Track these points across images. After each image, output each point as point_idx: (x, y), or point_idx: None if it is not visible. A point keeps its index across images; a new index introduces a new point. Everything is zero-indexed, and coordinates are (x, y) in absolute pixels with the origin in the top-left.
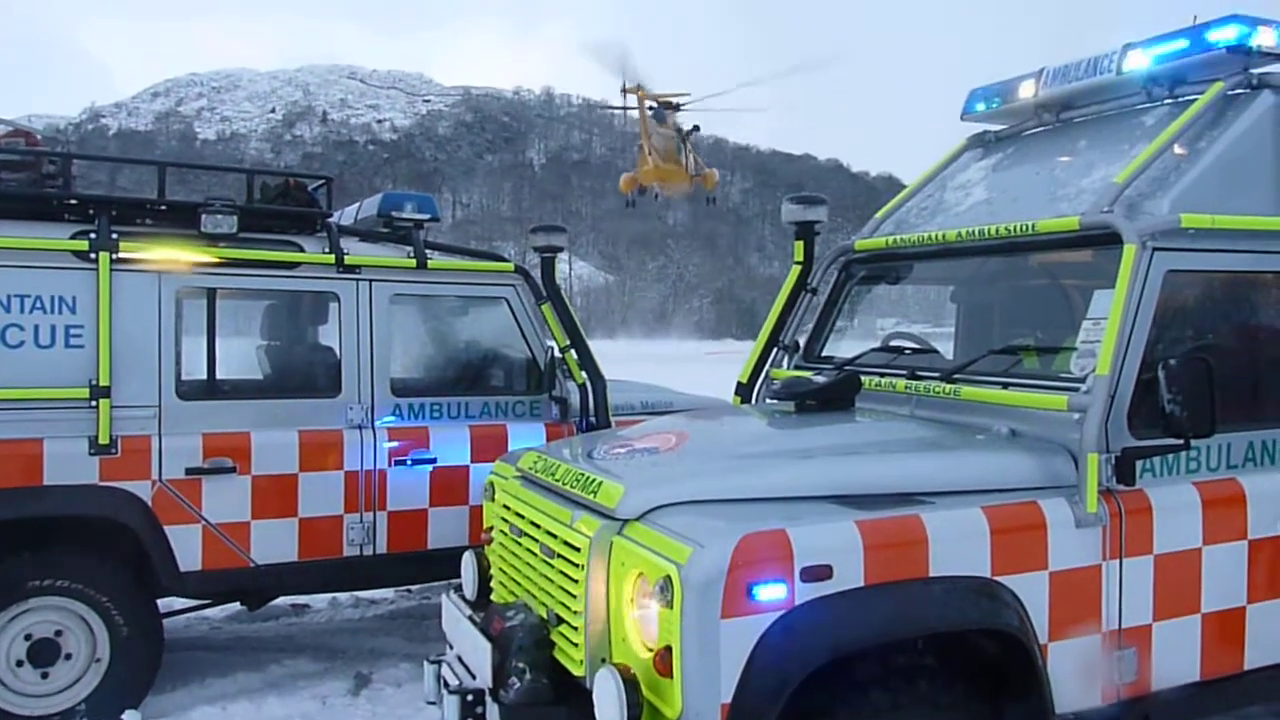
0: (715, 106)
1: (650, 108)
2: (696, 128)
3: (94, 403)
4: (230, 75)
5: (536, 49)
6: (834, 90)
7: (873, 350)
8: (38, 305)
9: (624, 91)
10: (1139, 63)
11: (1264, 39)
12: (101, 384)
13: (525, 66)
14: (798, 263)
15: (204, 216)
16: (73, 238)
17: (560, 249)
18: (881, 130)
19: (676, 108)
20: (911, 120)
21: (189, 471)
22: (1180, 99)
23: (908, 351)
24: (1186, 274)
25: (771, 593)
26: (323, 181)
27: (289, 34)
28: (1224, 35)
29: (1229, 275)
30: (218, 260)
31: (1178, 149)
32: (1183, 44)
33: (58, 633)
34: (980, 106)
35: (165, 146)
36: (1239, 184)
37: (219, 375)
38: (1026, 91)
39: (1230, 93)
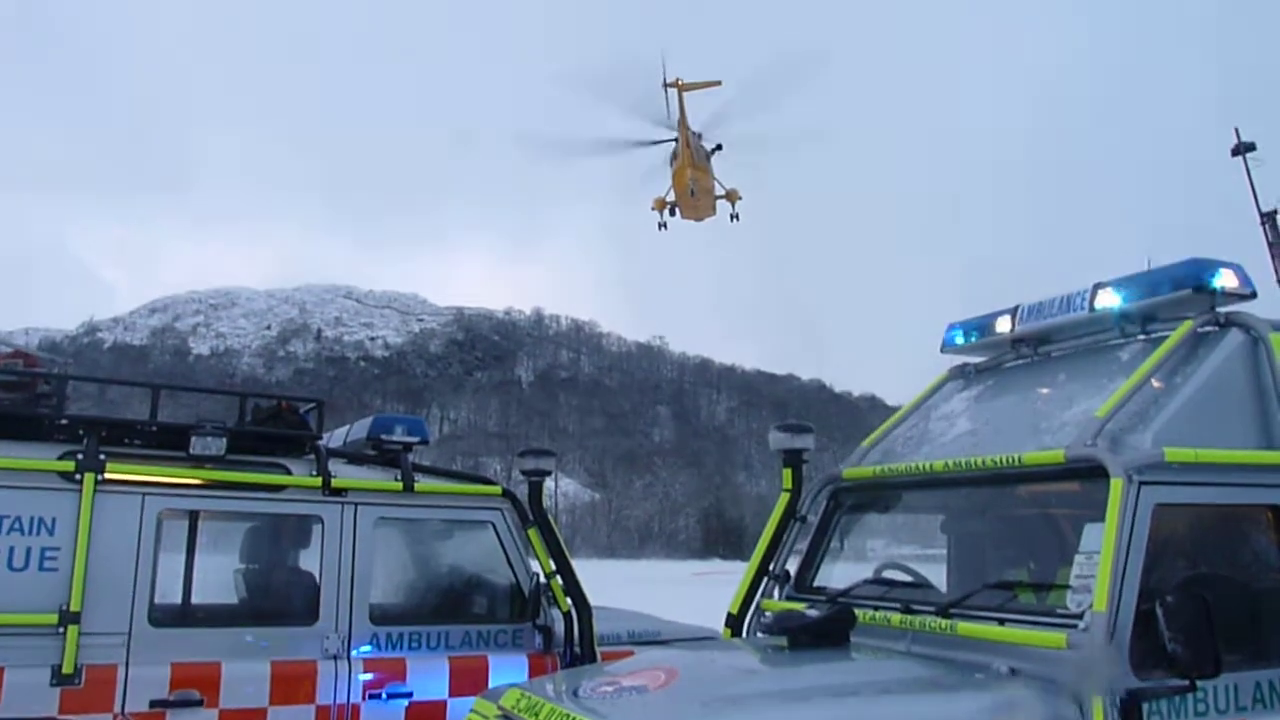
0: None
1: (709, 143)
2: (719, 147)
3: (62, 629)
4: (229, 293)
5: (528, 271)
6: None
7: (865, 582)
8: (16, 526)
9: (665, 86)
10: (1109, 301)
11: (1226, 280)
12: (72, 609)
13: (517, 287)
14: (786, 490)
15: (193, 438)
16: (60, 458)
17: (548, 472)
18: (863, 351)
19: (718, 147)
20: (892, 342)
21: (154, 704)
22: (1153, 335)
23: (901, 583)
24: (1175, 508)
25: None
26: (314, 404)
27: (289, 253)
28: (1189, 277)
29: (1218, 509)
30: (203, 482)
31: (1155, 383)
32: (1150, 285)
33: None
34: (959, 339)
35: (159, 362)
36: (1217, 418)
37: (194, 600)
38: (1003, 326)
39: (1200, 330)
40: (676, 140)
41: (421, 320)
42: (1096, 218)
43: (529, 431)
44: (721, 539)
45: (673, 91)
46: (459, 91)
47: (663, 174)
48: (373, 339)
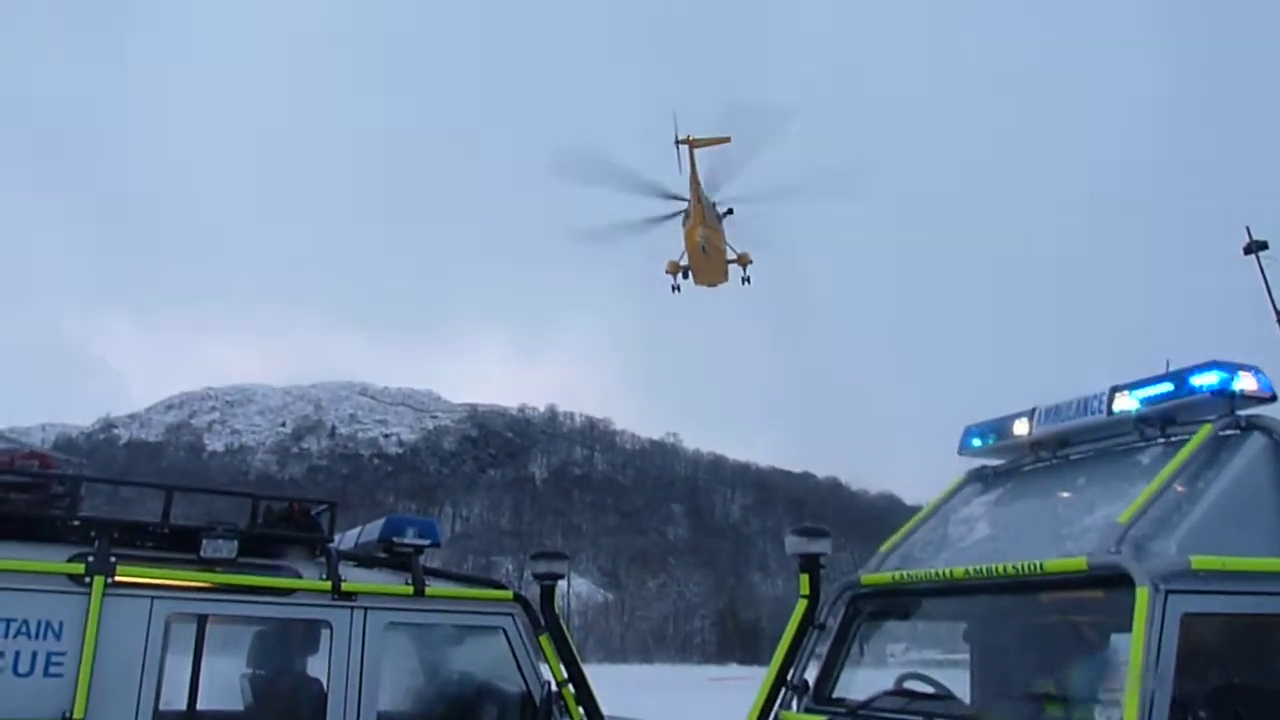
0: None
1: (721, 206)
2: (731, 210)
3: None
4: (245, 390)
5: (542, 368)
6: (831, 408)
7: (886, 693)
8: (23, 630)
9: (677, 144)
10: (1127, 404)
11: (1245, 384)
12: (75, 716)
13: (531, 384)
14: (803, 596)
15: (205, 541)
16: (71, 559)
17: (561, 576)
18: (880, 449)
19: (729, 211)
20: (909, 439)
21: None
22: (1172, 439)
23: (923, 695)
24: (1204, 617)
25: None
26: (326, 506)
27: (305, 351)
28: (1207, 380)
29: (1248, 618)
30: (213, 585)
31: (1178, 488)
32: (1168, 388)
33: None
34: (977, 442)
35: (174, 458)
36: (1242, 525)
37: (200, 705)
38: (1021, 429)
39: (1221, 434)
40: (688, 203)
41: (435, 417)
42: (1107, 315)
43: (542, 529)
44: (738, 642)
45: (684, 149)
46: (473, 188)
47: (675, 240)
48: (387, 436)
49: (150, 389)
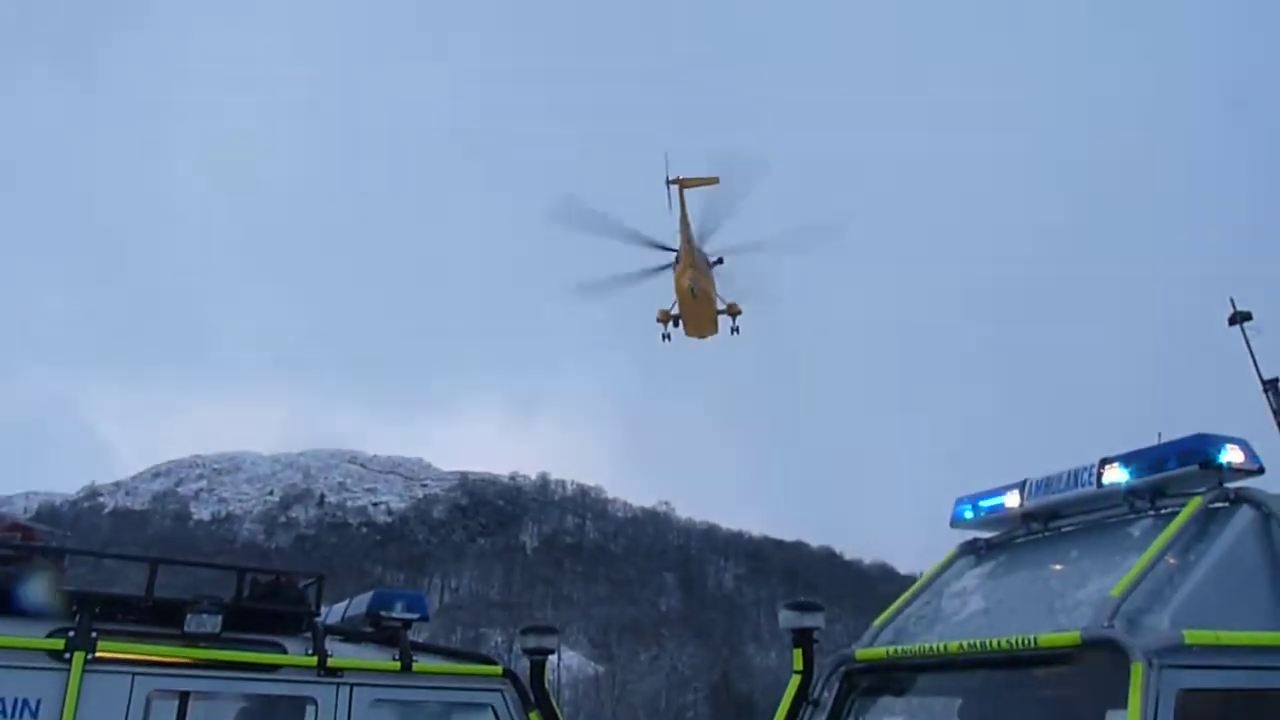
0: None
1: (711, 256)
2: (720, 260)
3: None
4: (233, 458)
5: (535, 435)
6: (824, 475)
7: None
8: None
9: (668, 183)
10: (1117, 476)
11: (1233, 456)
12: None
13: (523, 451)
14: (796, 672)
15: (189, 615)
16: (51, 634)
17: (551, 651)
18: (872, 517)
19: (719, 260)
20: (902, 507)
21: None
22: (1162, 511)
23: None
24: (1199, 692)
25: None
26: (314, 579)
27: (294, 418)
28: (1196, 453)
29: (1243, 693)
30: (195, 661)
31: (1170, 561)
32: (1156, 460)
33: None
34: (969, 514)
35: (159, 527)
36: (1234, 598)
37: None
38: (1012, 501)
39: (1211, 506)
40: (678, 251)
41: (425, 485)
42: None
43: (532, 600)
44: (732, 716)
45: (674, 189)
46: (466, 253)
47: (667, 292)
48: (376, 504)
49: (138, 456)
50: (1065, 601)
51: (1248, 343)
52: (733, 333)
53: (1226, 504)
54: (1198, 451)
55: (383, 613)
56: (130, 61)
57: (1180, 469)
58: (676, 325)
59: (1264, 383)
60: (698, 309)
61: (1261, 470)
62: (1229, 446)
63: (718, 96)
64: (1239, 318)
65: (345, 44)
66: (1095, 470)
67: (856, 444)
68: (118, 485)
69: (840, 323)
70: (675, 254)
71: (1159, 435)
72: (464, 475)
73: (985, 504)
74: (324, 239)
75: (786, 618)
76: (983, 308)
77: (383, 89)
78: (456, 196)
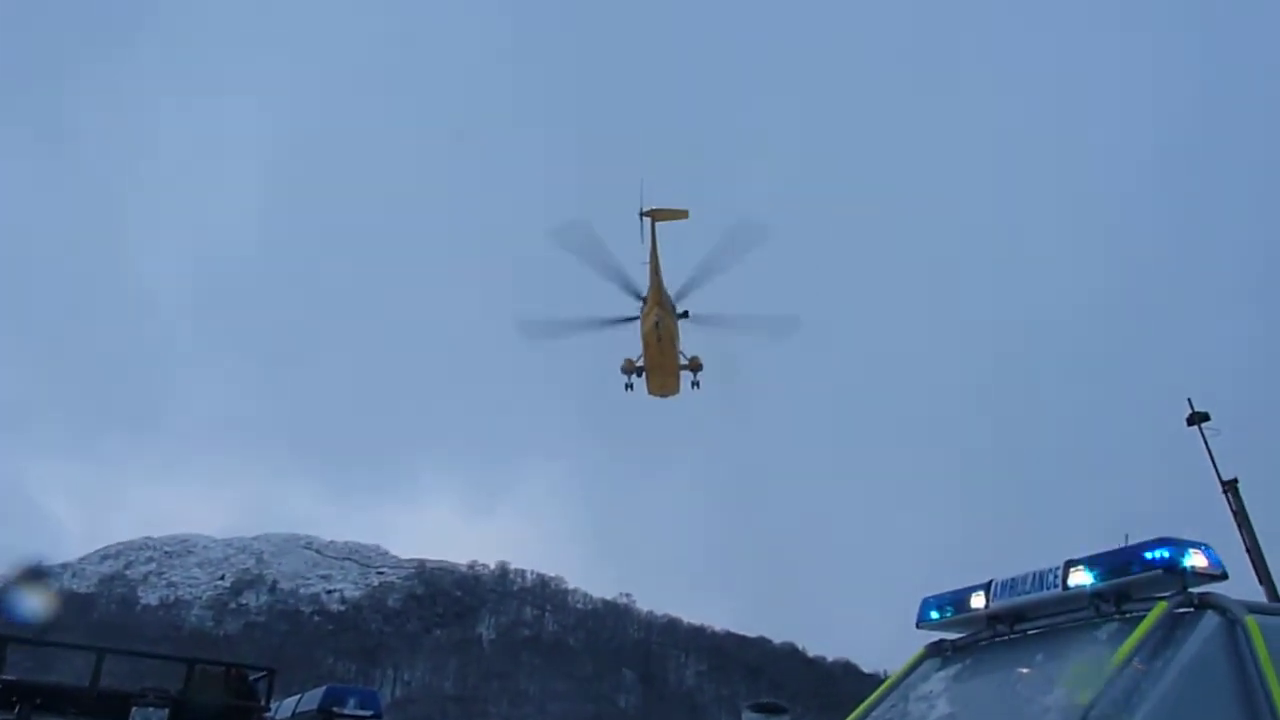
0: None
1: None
2: (686, 313)
3: None
4: (185, 540)
5: (495, 522)
6: (787, 571)
7: None
8: None
9: (640, 216)
10: (1081, 579)
11: (1197, 561)
12: None
13: (482, 539)
14: None
15: (134, 709)
16: None
17: None
18: (836, 613)
19: (684, 314)
20: (866, 603)
21: None
22: (1128, 615)
23: None
24: None
25: None
26: (264, 673)
27: (249, 500)
28: (1160, 557)
29: None
30: None
31: (1136, 666)
32: (1121, 564)
33: None
34: (934, 615)
35: (105, 611)
36: (1201, 708)
37: None
38: (978, 602)
39: (1175, 611)
40: (645, 297)
41: (382, 573)
42: (1060, 483)
43: (488, 695)
44: None
45: (647, 221)
46: (430, 331)
47: (634, 344)
48: (330, 592)
49: (87, 537)
50: (1033, 708)
51: (1206, 443)
52: (694, 386)
53: (1191, 609)
54: (1160, 555)
55: (335, 709)
56: (84, 128)
57: (1144, 573)
58: (640, 376)
59: (1223, 484)
60: (662, 356)
61: (1225, 575)
62: (1192, 551)
63: (713, 151)
64: (1197, 418)
65: (307, 114)
66: (1060, 572)
67: (821, 539)
68: (64, 567)
69: (806, 413)
70: (643, 300)
71: (1126, 537)
72: (421, 563)
73: (951, 604)
74: (281, 317)
75: (750, 719)
76: (949, 405)
77: (341, 163)
78: (418, 279)
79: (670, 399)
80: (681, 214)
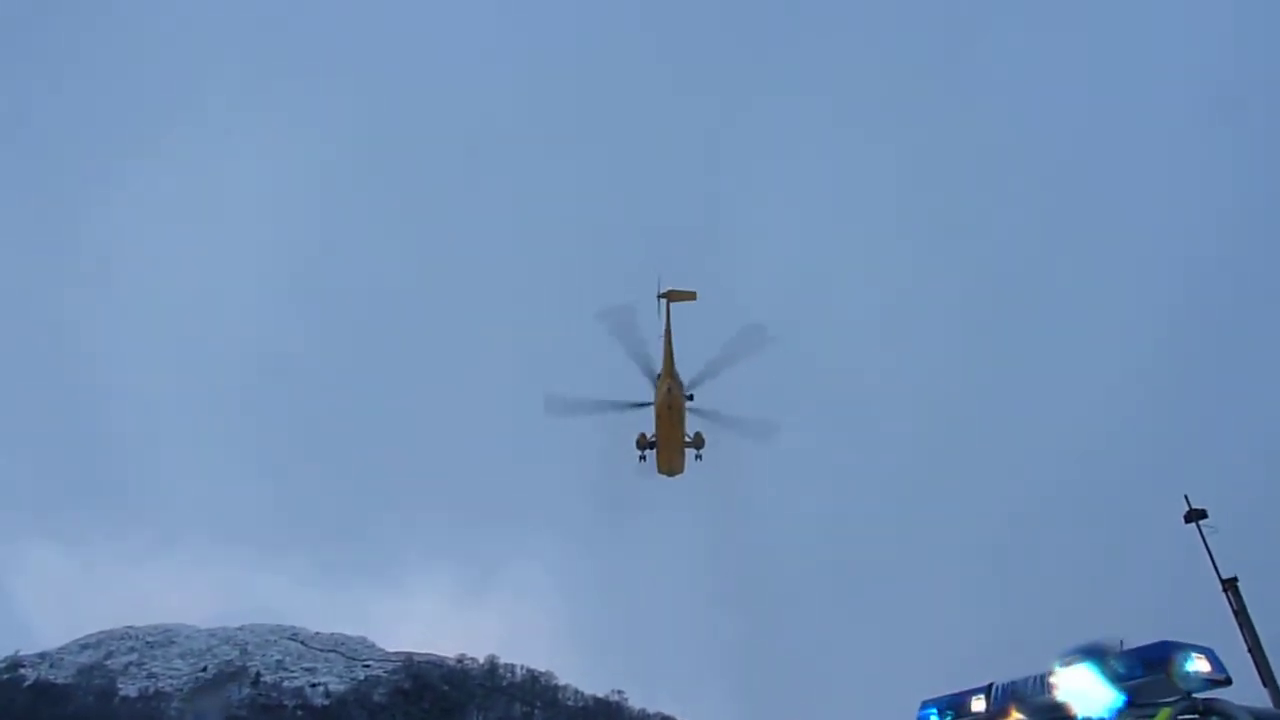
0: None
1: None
2: (691, 396)
3: None
4: (168, 630)
5: (485, 614)
6: (783, 668)
7: None
8: None
9: (659, 298)
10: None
11: (1199, 665)
12: None
13: (472, 631)
14: None
15: None
16: None
17: None
18: (836, 712)
19: (690, 397)
20: (865, 704)
21: None
22: None
23: None
24: None
25: None
26: None
27: (234, 590)
28: (1161, 662)
29: None
30: None
31: None
32: (1125, 667)
33: None
34: (935, 718)
35: (81, 703)
36: None
37: None
38: (978, 705)
39: (1180, 718)
40: (659, 373)
41: (368, 666)
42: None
43: None
44: None
45: (663, 303)
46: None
47: (643, 423)
48: (314, 685)
49: (67, 625)
50: None
51: (1205, 541)
52: (697, 458)
53: (1195, 716)
54: (1163, 660)
55: None
56: (79, 206)
57: (1147, 677)
58: (653, 448)
59: (1223, 582)
60: (671, 427)
61: (1228, 680)
62: (1195, 656)
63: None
64: (1194, 515)
65: (298, 196)
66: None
67: (818, 635)
68: (42, 657)
69: (799, 512)
70: (657, 376)
71: (1121, 642)
72: (409, 656)
73: (951, 708)
74: (268, 405)
75: None
76: (945, 502)
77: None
78: (408, 366)
79: (675, 478)
80: (690, 295)
